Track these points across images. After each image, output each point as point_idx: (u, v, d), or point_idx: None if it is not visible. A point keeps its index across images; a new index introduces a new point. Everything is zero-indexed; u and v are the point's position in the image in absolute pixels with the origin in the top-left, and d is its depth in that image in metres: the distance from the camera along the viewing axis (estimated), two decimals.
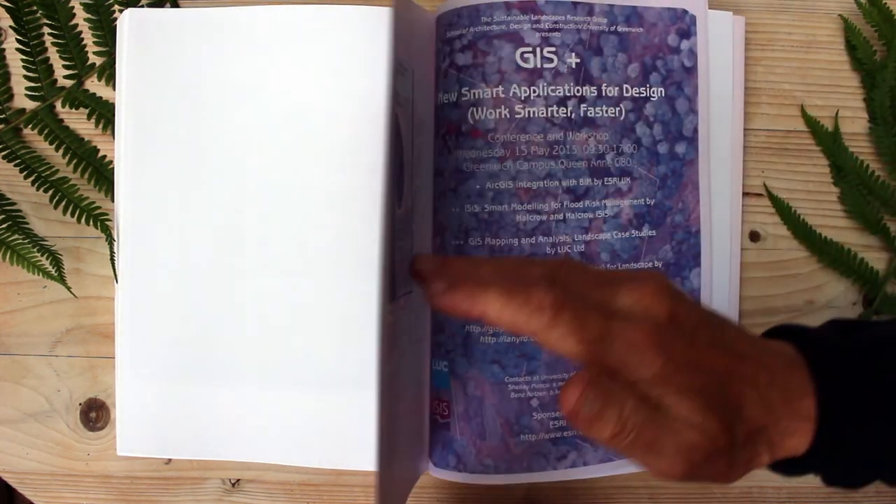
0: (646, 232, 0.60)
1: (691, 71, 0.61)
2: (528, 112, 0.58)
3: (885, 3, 0.63)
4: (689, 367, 0.39)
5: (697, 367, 0.39)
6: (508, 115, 0.58)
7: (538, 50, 0.58)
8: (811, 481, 0.64)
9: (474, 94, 0.58)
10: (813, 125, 0.64)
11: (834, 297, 0.65)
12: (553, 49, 0.58)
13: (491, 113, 0.58)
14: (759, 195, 0.64)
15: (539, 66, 0.58)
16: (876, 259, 0.64)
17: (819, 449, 0.41)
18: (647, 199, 0.60)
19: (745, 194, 0.64)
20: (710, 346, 0.40)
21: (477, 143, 0.58)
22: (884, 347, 0.43)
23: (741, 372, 0.40)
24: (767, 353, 0.42)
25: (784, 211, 0.64)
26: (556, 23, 0.58)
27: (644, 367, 0.38)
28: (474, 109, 0.58)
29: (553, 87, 0.58)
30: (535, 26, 0.58)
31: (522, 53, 0.58)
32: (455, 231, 0.58)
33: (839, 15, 0.64)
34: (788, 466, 0.43)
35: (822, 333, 0.46)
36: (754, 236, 0.65)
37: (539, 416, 0.59)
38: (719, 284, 0.63)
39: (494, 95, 0.58)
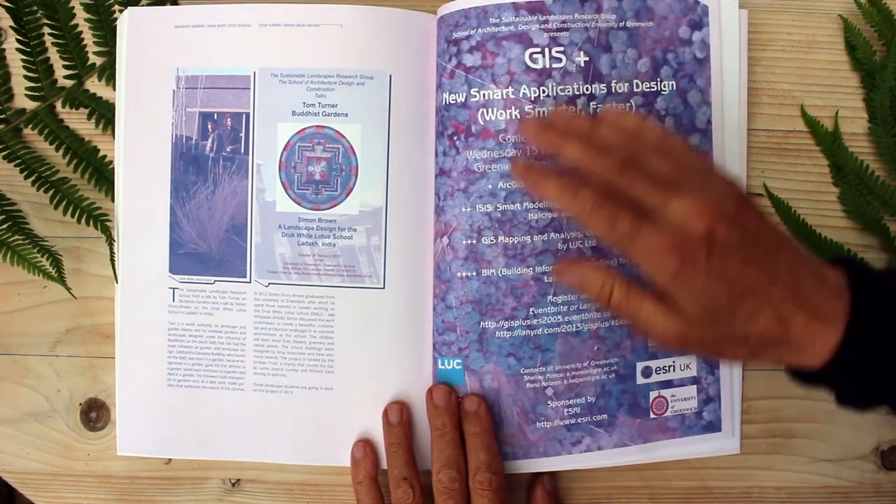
0: None
1: (703, 62, 0.61)
2: (538, 112, 0.58)
3: (885, 3, 0.64)
4: (706, 273, 0.44)
5: (718, 276, 0.44)
6: (519, 116, 0.58)
7: (546, 50, 0.58)
8: (810, 481, 0.65)
9: (484, 94, 0.58)
10: (813, 125, 0.64)
11: None
12: (561, 49, 0.59)
13: (501, 114, 0.58)
14: (759, 195, 0.65)
15: (548, 66, 0.58)
16: (876, 259, 0.64)
17: (835, 368, 0.45)
18: None
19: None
20: (741, 264, 0.44)
21: (488, 144, 0.58)
22: None
23: (765, 293, 0.45)
24: (813, 276, 0.46)
25: (784, 211, 0.64)
26: (563, 22, 0.59)
27: (660, 267, 0.45)
28: (485, 110, 0.58)
29: (562, 87, 0.59)
30: (543, 26, 0.58)
31: (531, 54, 0.58)
32: (467, 230, 0.59)
33: (839, 15, 0.65)
34: (806, 376, 0.48)
35: (878, 273, 0.50)
36: None
37: (554, 404, 0.60)
38: None
39: (504, 96, 0.58)
